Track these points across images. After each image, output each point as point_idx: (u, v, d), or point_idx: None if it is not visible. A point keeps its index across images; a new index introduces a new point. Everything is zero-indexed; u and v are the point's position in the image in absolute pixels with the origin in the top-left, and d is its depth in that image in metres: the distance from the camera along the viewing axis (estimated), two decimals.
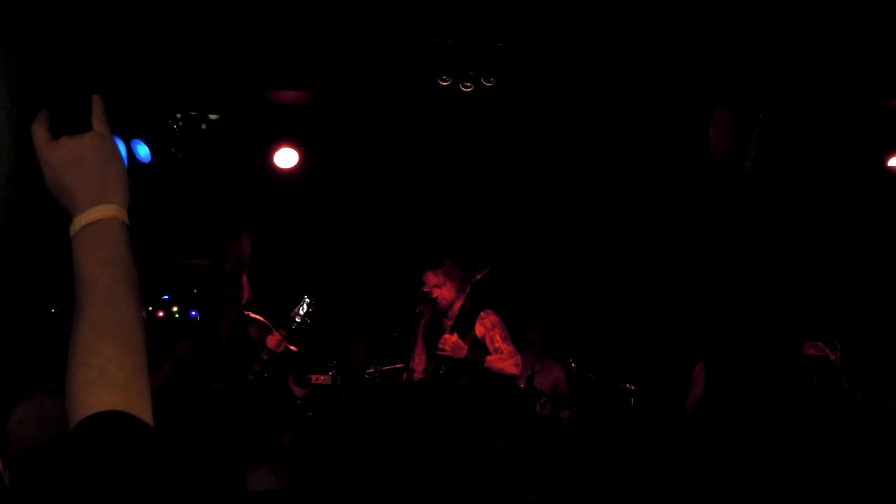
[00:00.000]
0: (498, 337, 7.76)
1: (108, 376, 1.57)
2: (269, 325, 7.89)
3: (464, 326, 7.63)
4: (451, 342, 7.54)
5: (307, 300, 7.71)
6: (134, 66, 8.16)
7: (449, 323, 7.74)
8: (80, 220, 1.75)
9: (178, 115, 8.98)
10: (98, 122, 1.90)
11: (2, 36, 6.66)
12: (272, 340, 7.48)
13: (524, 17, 7.72)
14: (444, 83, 8.10)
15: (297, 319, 7.59)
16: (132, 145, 9.02)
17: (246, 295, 7.97)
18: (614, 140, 9.30)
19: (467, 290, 7.72)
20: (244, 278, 7.89)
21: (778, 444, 8.00)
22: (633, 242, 9.81)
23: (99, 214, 1.75)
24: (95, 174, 1.79)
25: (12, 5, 6.73)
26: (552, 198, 9.80)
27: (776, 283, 9.29)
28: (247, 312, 7.90)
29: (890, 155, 8.99)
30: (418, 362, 7.92)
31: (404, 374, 7.96)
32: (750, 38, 7.93)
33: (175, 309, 9.40)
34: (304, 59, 8.32)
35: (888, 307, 9.36)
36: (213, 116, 9.03)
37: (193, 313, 9.03)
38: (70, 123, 1.87)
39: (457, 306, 7.73)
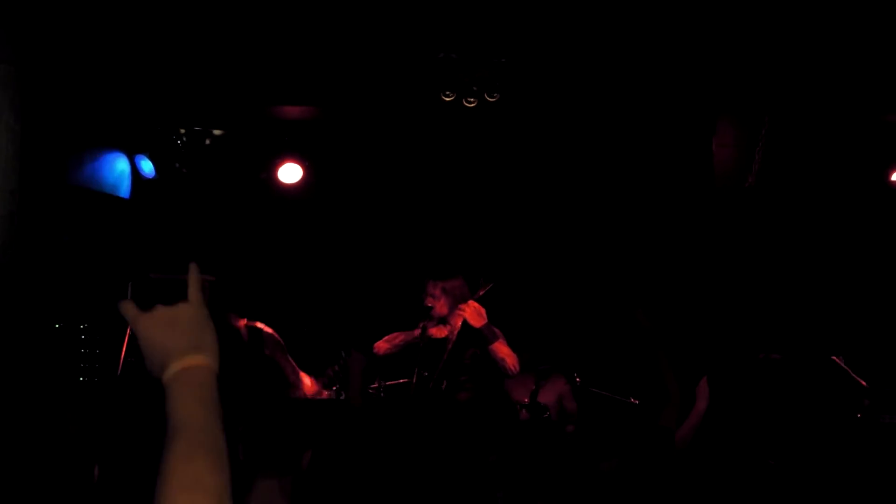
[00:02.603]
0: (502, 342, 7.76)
1: (202, 484, 1.73)
2: (279, 337, 7.91)
3: (462, 340, 7.62)
4: (472, 306, 7.52)
5: (343, 358, 7.79)
6: (138, 81, 8.18)
7: (445, 334, 7.72)
8: (174, 366, 1.88)
9: (182, 131, 9.02)
10: (193, 291, 2.01)
11: (5, 52, 6.68)
12: (308, 388, 7.60)
13: (527, 32, 7.74)
14: (448, 98, 8.11)
15: (331, 376, 7.70)
16: (136, 161, 9.06)
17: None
18: (618, 154, 9.30)
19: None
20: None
21: (787, 454, 8.03)
22: (637, 256, 9.79)
23: (194, 361, 1.89)
24: (190, 334, 1.92)
25: (16, 21, 6.75)
26: (556, 212, 9.79)
27: (780, 296, 9.29)
28: (257, 324, 7.92)
29: (893, 169, 8.98)
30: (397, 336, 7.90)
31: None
32: (754, 53, 7.94)
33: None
34: (308, 74, 8.33)
35: (891, 320, 9.35)
36: (217, 132, 9.05)
37: None
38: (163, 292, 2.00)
39: (458, 322, 7.70)
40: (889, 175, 9.01)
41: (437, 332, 7.79)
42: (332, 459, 8.09)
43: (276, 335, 7.99)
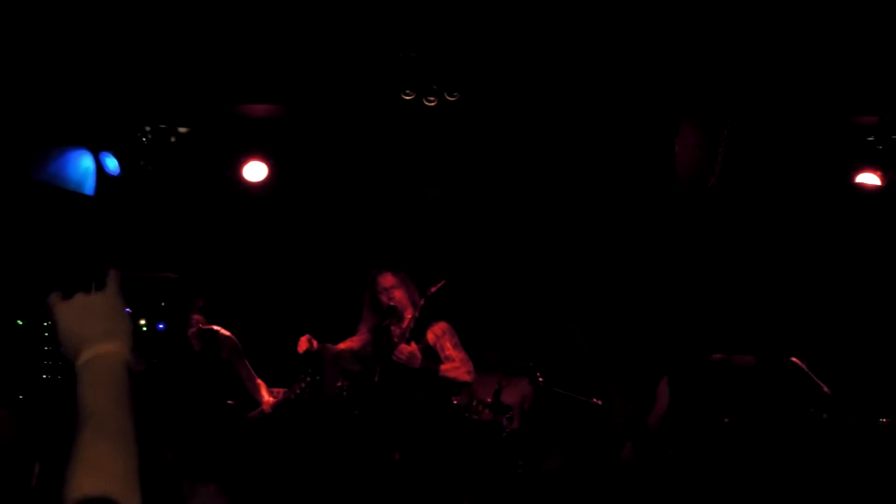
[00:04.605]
0: (448, 344, 7.78)
1: (107, 469, 1.79)
2: (236, 340, 7.89)
3: (414, 336, 7.65)
4: (406, 352, 7.55)
5: (310, 374, 7.78)
6: (103, 78, 8.17)
7: (398, 332, 7.75)
8: (86, 353, 1.95)
9: (148, 128, 8.99)
10: (111, 283, 2.07)
11: None
12: (267, 406, 7.60)
13: (488, 32, 7.74)
14: (408, 97, 8.11)
15: (298, 393, 7.69)
16: (101, 158, 9.03)
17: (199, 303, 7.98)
18: (579, 155, 9.29)
19: (421, 302, 7.73)
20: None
21: (747, 454, 8.04)
22: (597, 257, 9.79)
23: (105, 348, 1.96)
24: (104, 322, 2.00)
25: None
26: (516, 212, 9.79)
27: (742, 298, 9.30)
28: (214, 327, 7.91)
29: (857, 171, 8.98)
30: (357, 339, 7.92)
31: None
32: (717, 55, 7.94)
33: (142, 322, 9.38)
34: (273, 73, 8.34)
35: (855, 322, 9.35)
36: (182, 129, 9.03)
37: (161, 326, 9.03)
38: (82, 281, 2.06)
39: (408, 316, 7.75)
40: (854, 176, 9.00)
41: (396, 329, 7.82)
42: (272, 462, 8.09)
43: (233, 338, 7.98)
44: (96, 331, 1.97)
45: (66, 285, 2.04)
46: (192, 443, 6.53)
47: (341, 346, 8.01)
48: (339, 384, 8.23)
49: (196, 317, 8.00)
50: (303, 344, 7.73)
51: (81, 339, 1.97)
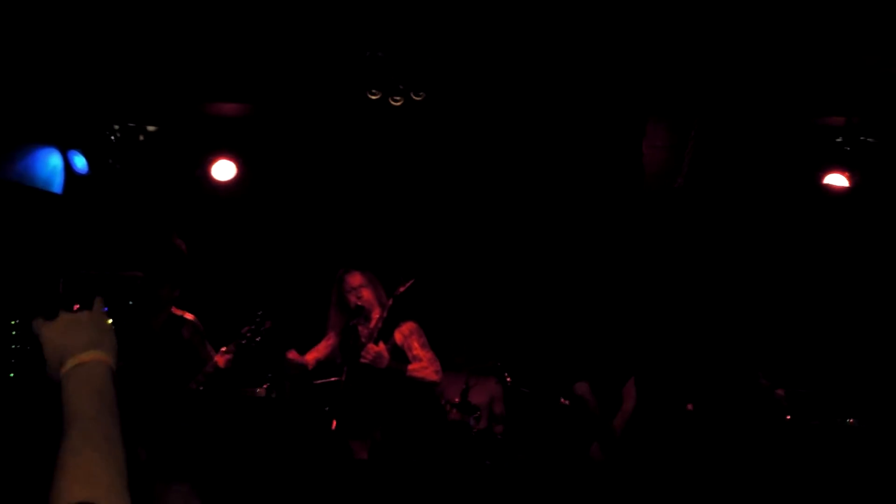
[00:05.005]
0: (416, 344, 7.78)
1: (92, 475, 1.78)
2: (200, 325, 7.89)
3: (381, 335, 7.65)
4: (374, 352, 7.54)
5: (258, 317, 7.74)
6: (72, 76, 8.15)
7: (365, 332, 7.75)
8: (71, 362, 1.99)
9: (116, 127, 8.97)
10: (97, 304, 2.17)
11: None
12: (221, 360, 7.53)
13: (454, 31, 7.73)
14: (374, 97, 8.11)
15: (248, 336, 7.62)
16: (69, 156, 9.01)
17: (175, 293, 7.97)
18: (546, 155, 9.31)
19: (389, 302, 7.73)
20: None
21: (712, 455, 8.05)
22: (564, 257, 9.81)
23: (90, 357, 2.01)
24: (90, 334, 2.06)
25: None
26: (482, 212, 9.80)
27: (709, 298, 9.31)
28: (178, 311, 7.91)
29: (825, 172, 9.00)
30: (315, 353, 7.92)
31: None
32: (684, 54, 7.94)
33: (109, 322, 9.37)
34: (241, 71, 8.33)
35: (823, 323, 9.38)
36: (150, 128, 9.01)
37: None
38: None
39: (375, 316, 7.75)
40: (821, 178, 9.02)
41: (364, 329, 7.82)
42: (247, 460, 8.10)
43: (197, 322, 7.99)
44: (80, 341, 2.02)
45: (49, 308, 2.09)
46: (163, 441, 6.54)
47: (308, 356, 8.01)
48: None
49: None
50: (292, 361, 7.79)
51: (66, 350, 2.00)
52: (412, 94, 8.12)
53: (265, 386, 8.47)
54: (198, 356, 7.84)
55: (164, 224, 9.30)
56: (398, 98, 8.11)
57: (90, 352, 2.00)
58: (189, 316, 7.90)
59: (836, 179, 8.99)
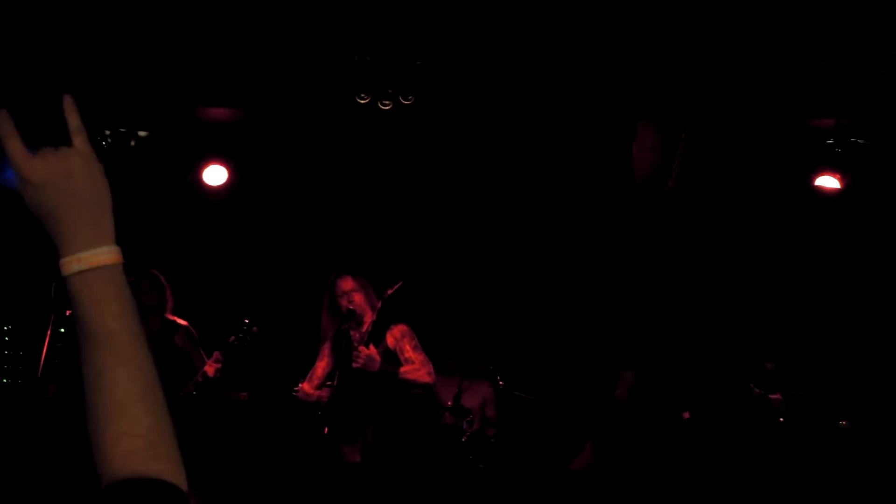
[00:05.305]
0: (408, 347, 7.76)
1: (153, 447, 1.55)
2: (193, 331, 7.92)
3: (373, 339, 7.64)
4: (365, 354, 7.53)
5: (245, 325, 7.77)
6: (62, 81, 8.16)
7: (357, 336, 7.74)
8: (79, 261, 1.60)
9: (108, 132, 8.97)
10: (80, 139, 1.73)
11: None
12: (210, 369, 7.57)
13: (443, 34, 7.74)
14: (363, 101, 8.11)
15: (235, 344, 7.66)
16: None
17: (169, 304, 8.01)
18: (536, 158, 9.31)
19: (379, 305, 7.73)
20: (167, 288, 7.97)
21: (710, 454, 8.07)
22: (555, 259, 9.81)
23: (103, 260, 1.62)
24: (88, 203, 1.65)
25: None
26: (473, 215, 9.81)
27: (701, 300, 9.31)
28: (171, 317, 7.94)
29: (816, 174, 9.00)
30: (319, 372, 7.92)
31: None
32: (674, 57, 7.95)
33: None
34: (231, 76, 8.34)
35: (815, 325, 9.38)
36: (142, 133, 9.02)
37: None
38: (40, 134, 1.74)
39: (367, 320, 7.74)
40: (812, 179, 9.03)
41: (356, 333, 7.82)
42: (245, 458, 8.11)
43: (190, 328, 8.01)
44: (84, 222, 1.62)
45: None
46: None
47: (314, 386, 8.00)
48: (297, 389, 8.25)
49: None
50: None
51: (63, 226, 1.62)
52: (401, 98, 8.12)
53: (244, 394, 8.53)
54: (191, 362, 7.87)
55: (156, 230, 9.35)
56: (387, 102, 8.12)
57: (100, 249, 1.60)
58: (182, 322, 7.92)
59: (827, 181, 9.00)
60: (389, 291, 7.68)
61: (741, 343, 8.66)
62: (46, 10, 7.32)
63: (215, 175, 9.28)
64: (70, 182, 1.65)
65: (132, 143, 9.04)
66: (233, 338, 7.70)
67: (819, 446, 8.42)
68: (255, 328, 7.78)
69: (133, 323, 1.61)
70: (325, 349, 7.98)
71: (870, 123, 8.67)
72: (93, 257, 1.60)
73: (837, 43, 7.57)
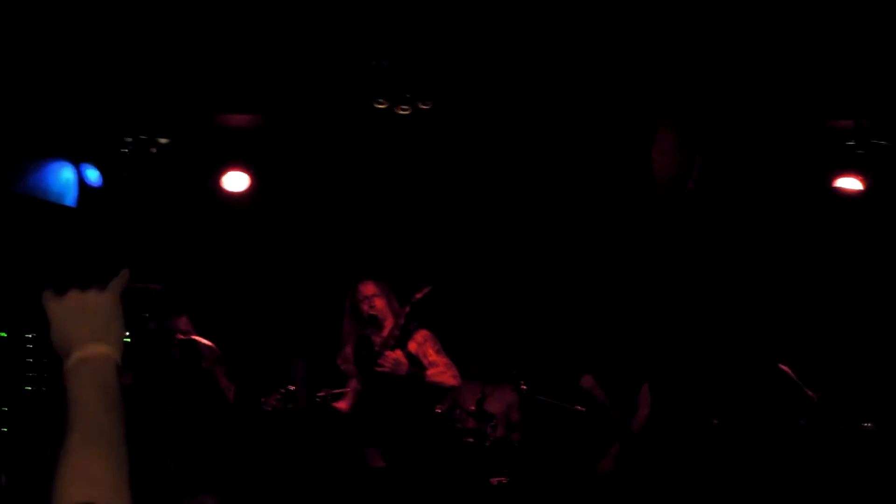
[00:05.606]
0: (431, 351, 7.78)
1: (92, 474, 1.71)
2: (219, 352, 7.94)
3: (397, 344, 7.65)
4: (391, 359, 7.54)
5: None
6: (84, 89, 8.20)
7: (378, 341, 7.75)
8: (76, 355, 1.87)
9: (129, 139, 9.00)
10: (115, 283, 2.02)
11: None
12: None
13: (460, 38, 7.74)
14: (381, 106, 8.12)
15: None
16: (82, 169, 9.06)
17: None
18: (556, 162, 9.30)
19: (406, 310, 7.73)
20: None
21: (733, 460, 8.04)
22: (576, 263, 9.79)
23: (95, 351, 1.88)
24: (95, 323, 1.92)
25: None
26: (493, 219, 9.79)
27: (723, 303, 9.27)
28: (195, 338, 7.95)
29: (835, 175, 8.95)
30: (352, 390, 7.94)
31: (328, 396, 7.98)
32: (692, 59, 7.92)
33: (126, 333, 9.39)
34: (250, 83, 8.36)
35: (837, 327, 9.33)
36: (162, 140, 9.05)
37: None
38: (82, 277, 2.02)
39: (388, 325, 7.75)
40: (832, 181, 8.98)
41: (377, 338, 7.83)
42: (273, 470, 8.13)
43: (214, 348, 8.02)
44: (85, 332, 1.92)
45: (60, 282, 2.00)
46: (189, 454, 6.56)
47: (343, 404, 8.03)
48: (322, 393, 8.26)
49: (182, 322, 8.05)
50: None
51: (71, 339, 1.91)
52: (419, 103, 8.13)
53: (277, 397, 8.51)
54: (217, 384, 7.89)
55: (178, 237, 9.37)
56: (405, 107, 8.12)
57: (95, 345, 1.90)
58: (204, 341, 7.95)
59: (848, 182, 8.95)
60: (418, 296, 7.70)
61: (760, 345, 8.64)
62: (68, 18, 7.36)
63: (236, 181, 9.31)
64: (85, 310, 1.95)
65: (153, 150, 9.08)
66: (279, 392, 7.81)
67: (848, 448, 8.39)
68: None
69: (108, 396, 1.84)
70: (348, 355, 8.00)
71: (889, 124, 8.62)
72: (84, 351, 1.89)
73: (856, 43, 7.54)
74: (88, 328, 1.92)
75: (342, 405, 7.85)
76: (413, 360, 7.70)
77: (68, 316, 1.93)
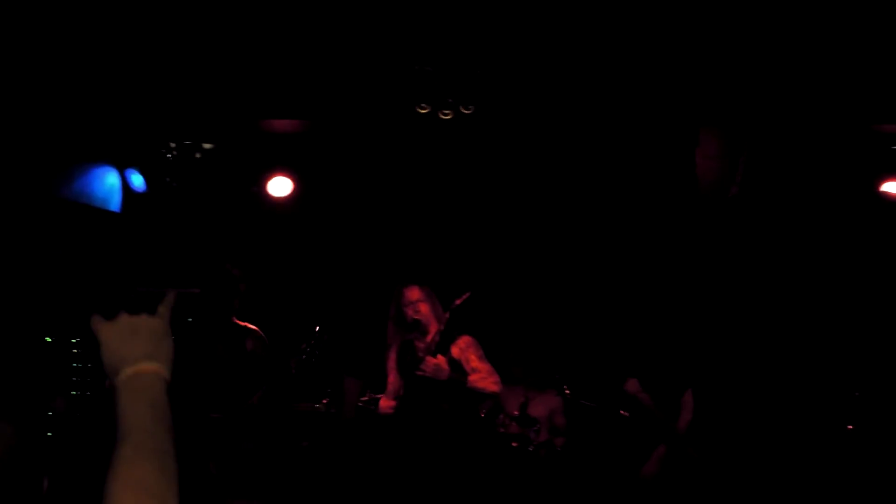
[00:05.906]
0: (473, 357, 7.75)
1: (145, 487, 1.78)
2: (263, 335, 7.96)
3: (439, 349, 7.64)
4: (432, 364, 7.53)
5: (317, 333, 7.80)
6: (129, 95, 8.26)
7: (422, 346, 7.75)
8: (127, 371, 1.95)
9: (173, 145, 9.06)
10: (164, 308, 2.10)
11: None
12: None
13: (503, 44, 7.73)
14: (423, 111, 8.13)
15: (307, 350, 7.70)
16: (127, 175, 9.13)
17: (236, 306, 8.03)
18: (599, 166, 9.28)
19: (447, 315, 7.73)
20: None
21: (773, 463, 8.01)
22: (620, 268, 9.76)
23: (146, 368, 1.97)
24: (147, 343, 2.00)
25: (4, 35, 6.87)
26: (538, 224, 9.78)
27: (765, 307, 9.23)
28: (241, 322, 7.98)
29: (882, 180, 8.88)
30: (391, 388, 7.93)
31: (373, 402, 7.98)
32: (736, 63, 7.88)
33: (168, 331, 9.43)
34: (294, 88, 8.39)
35: (882, 331, 9.26)
36: (207, 145, 9.10)
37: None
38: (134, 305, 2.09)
39: (433, 330, 7.74)
40: (878, 185, 8.91)
41: (421, 343, 7.83)
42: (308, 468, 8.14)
43: (259, 332, 8.03)
44: (137, 351, 1.98)
45: (110, 307, 2.06)
46: (232, 457, 6.59)
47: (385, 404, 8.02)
48: (365, 398, 8.27)
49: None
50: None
51: (122, 358, 1.97)
52: (461, 108, 8.13)
53: (324, 401, 8.52)
54: (262, 366, 7.90)
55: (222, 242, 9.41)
56: (448, 112, 8.13)
57: (146, 363, 1.97)
58: (253, 327, 7.97)
59: (895, 187, 8.88)
60: (457, 302, 7.69)
61: (808, 349, 8.62)
62: (114, 24, 7.41)
63: (280, 186, 9.34)
64: (136, 333, 2.02)
65: (197, 155, 9.13)
66: (304, 345, 7.74)
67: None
68: (325, 336, 7.81)
69: (157, 412, 1.92)
70: (391, 360, 8.00)
71: None
72: (135, 367, 1.97)
73: None
74: (141, 349, 1.98)
75: (385, 410, 7.82)
76: (455, 365, 7.68)
77: (121, 338, 1.99)
